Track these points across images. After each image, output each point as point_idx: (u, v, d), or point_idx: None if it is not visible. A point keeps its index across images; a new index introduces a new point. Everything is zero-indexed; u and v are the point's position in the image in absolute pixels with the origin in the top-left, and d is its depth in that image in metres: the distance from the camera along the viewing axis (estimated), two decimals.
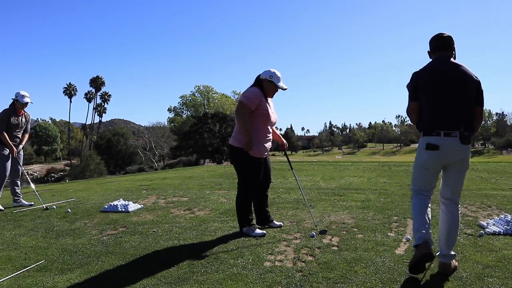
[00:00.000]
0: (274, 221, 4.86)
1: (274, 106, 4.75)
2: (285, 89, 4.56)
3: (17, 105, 6.57)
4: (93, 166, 47.40)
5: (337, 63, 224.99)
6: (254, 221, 4.63)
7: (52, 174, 54.59)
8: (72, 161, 66.84)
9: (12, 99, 6.57)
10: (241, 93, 4.59)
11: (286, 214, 5.52)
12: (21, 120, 6.73)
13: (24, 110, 6.75)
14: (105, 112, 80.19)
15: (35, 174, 53.84)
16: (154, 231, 4.72)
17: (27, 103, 6.62)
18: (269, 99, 4.63)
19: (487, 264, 3.40)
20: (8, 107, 6.63)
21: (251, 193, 4.54)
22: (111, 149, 56.97)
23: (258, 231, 4.45)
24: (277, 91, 4.59)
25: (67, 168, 59.89)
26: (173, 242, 4.25)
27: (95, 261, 3.73)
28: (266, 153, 4.64)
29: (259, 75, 4.54)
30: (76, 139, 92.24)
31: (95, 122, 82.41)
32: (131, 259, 3.75)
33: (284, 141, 4.91)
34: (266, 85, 4.49)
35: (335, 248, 3.93)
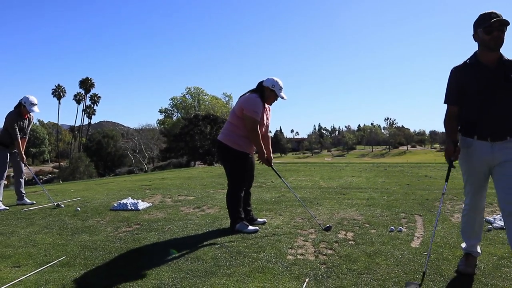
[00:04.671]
0: (258, 219, 4.96)
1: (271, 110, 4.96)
2: (285, 99, 4.73)
3: (24, 110, 6.53)
4: (82, 168, 46.95)
5: (326, 65, 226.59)
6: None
7: (41, 177, 53.96)
8: (61, 163, 66.16)
9: (19, 101, 6.51)
10: (245, 101, 4.50)
11: (296, 212, 5.62)
12: (25, 123, 6.71)
13: (29, 114, 6.72)
14: (94, 114, 79.67)
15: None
16: (169, 228, 4.77)
17: (34, 111, 6.59)
18: (268, 105, 4.82)
19: (502, 256, 3.54)
20: (13, 109, 6.58)
21: (241, 189, 4.64)
22: (101, 151, 56.54)
23: (250, 227, 4.55)
24: (276, 100, 4.74)
25: (56, 170, 59.29)
26: (191, 238, 4.31)
27: (118, 257, 3.78)
28: (252, 152, 4.78)
29: (262, 82, 4.67)
30: (64, 141, 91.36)
31: (84, 124, 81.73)
32: (153, 255, 3.80)
33: (269, 159, 4.84)
34: (267, 93, 4.64)
35: (352, 242, 4.04)
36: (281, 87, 4.64)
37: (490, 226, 4.54)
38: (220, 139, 4.64)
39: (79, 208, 6.06)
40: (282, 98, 4.69)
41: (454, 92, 3.15)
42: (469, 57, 3.15)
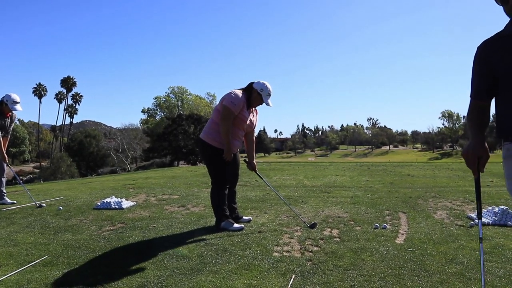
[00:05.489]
0: (243, 217, 4.96)
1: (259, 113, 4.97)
2: (270, 106, 4.70)
3: (5, 108, 6.38)
4: (64, 168, 46.28)
5: (310, 66, 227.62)
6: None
7: (21, 177, 52.90)
8: (42, 163, 65.10)
9: (1, 99, 6.35)
10: (227, 94, 4.52)
11: (281, 210, 5.63)
12: (7, 121, 6.56)
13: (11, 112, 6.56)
14: (76, 113, 78.55)
15: None
16: (154, 226, 4.72)
17: (16, 110, 6.44)
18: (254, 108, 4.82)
19: (484, 251, 3.58)
20: None
21: (224, 187, 4.62)
22: (83, 151, 55.78)
23: (236, 225, 4.54)
24: (261, 104, 4.71)
25: (36, 170, 58.29)
26: (177, 236, 4.28)
27: (102, 255, 3.72)
28: (235, 150, 4.73)
29: (253, 83, 4.64)
30: (45, 141, 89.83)
31: (65, 123, 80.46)
32: (138, 253, 3.75)
33: (253, 165, 4.92)
34: (254, 96, 4.61)
35: (338, 239, 4.06)
36: (269, 93, 4.60)
37: (473, 222, 4.62)
38: (201, 137, 4.64)
39: (61, 207, 5.96)
40: (267, 104, 4.66)
41: (481, 79, 2.15)
42: (504, 26, 2.09)
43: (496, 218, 4.62)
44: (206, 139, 4.57)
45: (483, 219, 4.68)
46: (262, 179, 5.14)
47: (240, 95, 4.51)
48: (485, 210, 4.97)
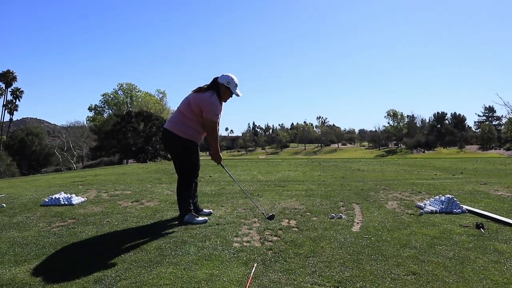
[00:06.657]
0: (203, 210, 4.94)
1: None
2: (240, 96, 4.59)
3: None
4: (3, 168, 43.75)
5: (260, 64, 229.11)
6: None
7: None
8: None
9: None
10: (204, 103, 4.32)
11: (237, 203, 5.63)
12: None
13: None
14: (16, 110, 74.20)
15: None
16: (108, 221, 4.56)
17: None
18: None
19: (434, 236, 3.79)
20: None
21: (192, 180, 4.56)
22: (24, 150, 52.93)
23: (200, 218, 4.48)
24: (231, 97, 4.61)
25: None
26: (132, 230, 4.16)
27: (53, 251, 3.54)
28: (200, 142, 4.65)
29: (217, 78, 4.50)
30: None
31: (4, 120, 75.96)
32: (92, 247, 3.61)
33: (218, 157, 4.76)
34: (222, 90, 4.48)
35: (296, 229, 4.11)
36: (236, 84, 4.50)
37: (422, 211, 4.83)
38: (168, 128, 4.46)
39: (4, 205, 5.61)
40: (237, 95, 4.55)
41: None
42: None
43: (443, 206, 4.86)
44: (174, 130, 4.40)
45: (431, 208, 4.91)
46: (226, 170, 5.08)
47: (215, 99, 4.38)
48: (433, 199, 5.21)
